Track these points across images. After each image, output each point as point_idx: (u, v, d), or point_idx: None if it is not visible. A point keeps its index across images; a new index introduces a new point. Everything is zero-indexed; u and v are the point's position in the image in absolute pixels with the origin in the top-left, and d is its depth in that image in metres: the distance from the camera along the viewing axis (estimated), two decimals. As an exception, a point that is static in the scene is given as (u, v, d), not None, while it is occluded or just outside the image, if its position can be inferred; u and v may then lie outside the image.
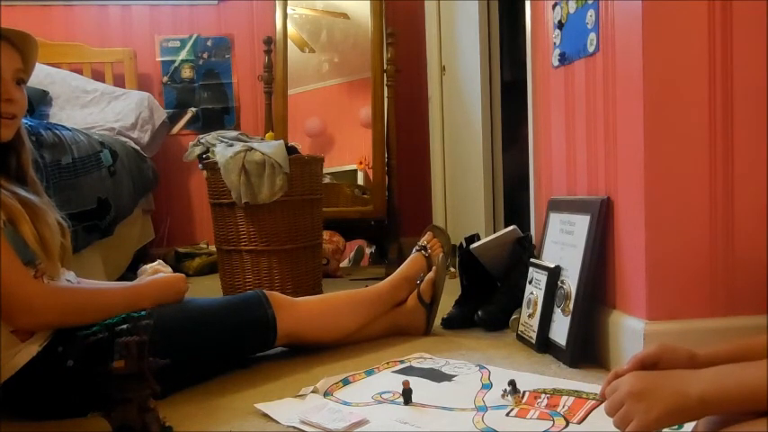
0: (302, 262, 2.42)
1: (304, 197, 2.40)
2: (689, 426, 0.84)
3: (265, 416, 1.26)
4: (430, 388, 1.37)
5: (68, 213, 1.50)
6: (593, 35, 1.54)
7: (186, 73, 3.66)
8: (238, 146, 2.33)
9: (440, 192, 3.38)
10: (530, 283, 1.72)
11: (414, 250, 1.97)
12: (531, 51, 2.03)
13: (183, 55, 3.65)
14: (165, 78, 3.65)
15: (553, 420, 1.17)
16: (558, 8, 1.74)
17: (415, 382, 1.35)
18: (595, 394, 1.22)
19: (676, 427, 0.84)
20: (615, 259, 1.48)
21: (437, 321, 1.90)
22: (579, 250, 1.54)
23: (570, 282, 1.55)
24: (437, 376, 1.45)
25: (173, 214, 3.64)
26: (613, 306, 1.49)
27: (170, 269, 1.59)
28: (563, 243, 1.64)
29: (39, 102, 3.04)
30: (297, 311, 1.63)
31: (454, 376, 1.45)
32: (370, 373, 1.49)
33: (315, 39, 3.55)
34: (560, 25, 1.73)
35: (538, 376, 1.41)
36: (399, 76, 3.31)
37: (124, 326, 1.08)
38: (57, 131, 2.24)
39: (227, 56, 3.68)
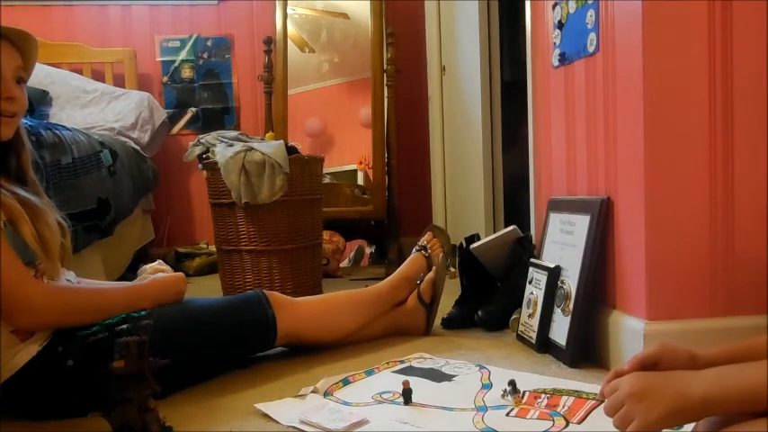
0: (302, 262, 2.42)
1: (304, 197, 2.40)
2: (689, 426, 0.84)
3: (265, 416, 1.26)
4: (430, 388, 1.37)
5: (68, 213, 1.50)
6: (593, 35, 1.54)
7: (186, 73, 3.66)
8: (238, 146, 2.34)
9: (440, 192, 3.38)
10: (530, 283, 1.72)
11: (414, 250, 1.97)
12: (531, 51, 2.03)
13: (182, 55, 3.65)
14: (165, 78, 3.65)
15: (553, 420, 1.17)
16: (558, 8, 1.74)
17: (415, 382, 1.35)
18: (595, 394, 1.22)
19: (676, 427, 0.84)
20: (615, 259, 1.48)
21: (437, 321, 1.90)
22: (579, 250, 1.54)
23: (570, 282, 1.55)
24: (437, 376, 1.45)
25: (173, 214, 3.64)
26: (613, 306, 1.49)
27: (170, 269, 1.59)
28: (563, 243, 1.64)
29: (39, 102, 3.04)
30: (297, 311, 1.63)
31: (454, 376, 1.45)
32: (370, 373, 1.49)
33: (315, 39, 3.55)
34: (560, 25, 1.73)
35: (538, 376, 1.41)
36: (399, 76, 3.31)
37: (124, 326, 1.09)
38: (57, 131, 2.24)
39: (227, 56, 3.69)
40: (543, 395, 1.28)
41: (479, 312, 1.88)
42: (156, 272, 1.55)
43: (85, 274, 1.63)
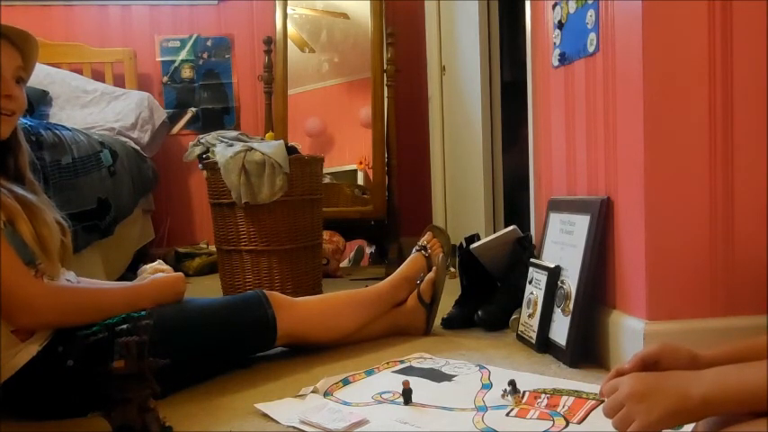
0: (302, 262, 2.42)
1: (304, 197, 2.40)
2: (689, 426, 0.84)
3: (265, 416, 1.26)
4: (430, 388, 1.37)
5: (68, 213, 1.50)
6: (593, 35, 1.54)
7: (186, 73, 3.66)
8: (238, 146, 2.34)
9: (440, 192, 3.38)
10: (530, 283, 1.72)
11: (414, 250, 1.97)
12: (531, 51, 2.03)
13: (183, 55, 3.65)
14: (165, 78, 3.65)
15: (553, 420, 1.17)
16: (558, 8, 1.74)
17: (415, 382, 1.35)
18: (595, 394, 1.22)
19: (676, 427, 0.84)
20: (615, 259, 1.48)
21: (437, 321, 1.90)
22: (579, 250, 1.54)
23: (570, 282, 1.55)
24: (437, 376, 1.45)
25: (173, 214, 3.64)
26: (613, 306, 1.49)
27: (170, 269, 1.59)
28: (563, 243, 1.64)
29: (39, 102, 3.04)
30: (297, 311, 1.63)
31: (454, 376, 1.45)
32: (370, 373, 1.49)
33: (315, 39, 3.55)
34: (560, 25, 1.73)
35: (538, 376, 1.41)
36: (399, 76, 3.31)
37: (124, 326, 1.09)
38: (57, 131, 2.24)
39: (227, 56, 3.69)
40: (543, 395, 1.28)
41: (479, 312, 1.88)
42: (156, 272, 1.55)
43: (85, 274, 1.63)
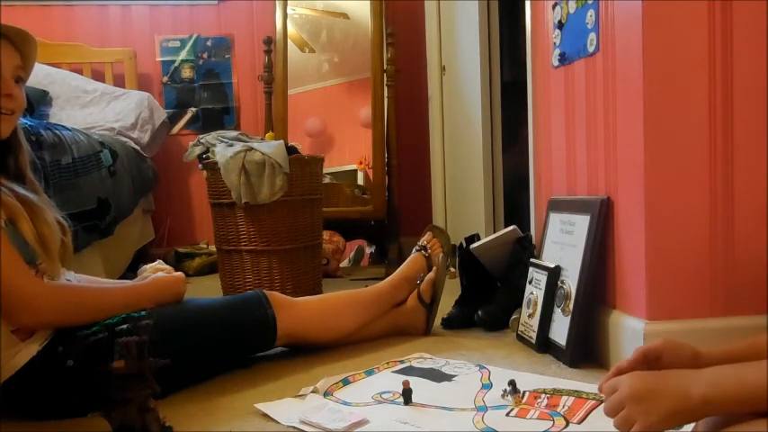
0: (302, 262, 2.42)
1: (304, 197, 2.40)
2: (689, 426, 0.84)
3: (265, 416, 1.26)
4: (430, 388, 1.37)
5: (68, 213, 1.50)
6: (593, 35, 1.54)
7: (186, 73, 3.66)
8: (238, 146, 2.34)
9: (440, 192, 3.38)
10: (530, 283, 1.72)
11: (414, 250, 1.97)
12: (531, 51, 2.03)
13: (183, 55, 3.65)
14: (165, 78, 3.65)
15: (553, 420, 1.17)
16: (558, 8, 1.74)
17: (415, 382, 1.35)
18: (595, 394, 1.22)
19: (677, 427, 0.84)
20: (615, 259, 1.48)
21: (437, 321, 1.90)
22: (579, 250, 1.54)
23: (570, 282, 1.55)
24: (437, 376, 1.45)
25: (173, 214, 3.64)
26: (613, 306, 1.49)
27: (170, 269, 1.59)
28: (563, 243, 1.64)
29: (39, 102, 3.04)
30: (297, 311, 1.63)
31: (454, 376, 1.45)
32: (370, 373, 1.49)
33: (315, 39, 3.55)
34: (560, 25, 1.73)
35: (538, 376, 1.41)
36: (399, 76, 3.31)
37: (124, 326, 1.09)
38: (57, 131, 2.24)
39: (227, 56, 3.68)
40: (543, 395, 1.28)
41: (479, 312, 1.88)
42: (156, 272, 1.55)
43: (85, 274, 1.63)
